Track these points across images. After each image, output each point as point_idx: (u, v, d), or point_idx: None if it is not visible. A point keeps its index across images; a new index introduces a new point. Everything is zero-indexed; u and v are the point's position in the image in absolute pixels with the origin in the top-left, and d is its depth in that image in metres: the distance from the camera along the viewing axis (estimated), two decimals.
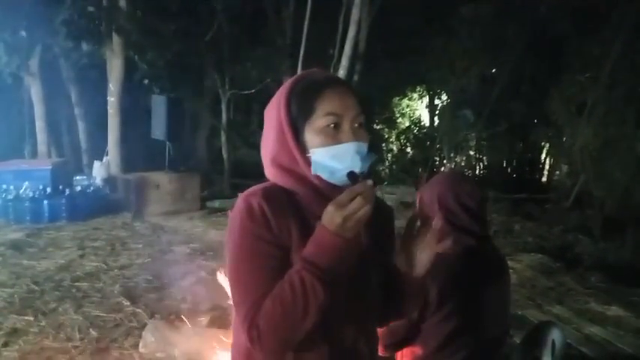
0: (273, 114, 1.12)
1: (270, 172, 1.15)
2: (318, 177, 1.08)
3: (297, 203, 1.11)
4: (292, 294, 0.99)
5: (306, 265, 0.99)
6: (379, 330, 1.60)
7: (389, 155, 15.51)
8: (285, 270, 1.03)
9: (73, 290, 4.44)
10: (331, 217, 0.96)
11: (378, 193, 1.22)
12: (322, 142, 1.06)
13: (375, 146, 14.47)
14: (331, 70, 8.38)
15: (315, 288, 0.98)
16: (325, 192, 1.07)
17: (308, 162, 1.08)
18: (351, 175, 1.02)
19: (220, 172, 11.16)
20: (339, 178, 1.05)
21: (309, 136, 1.08)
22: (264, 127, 1.16)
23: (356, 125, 1.08)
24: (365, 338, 1.17)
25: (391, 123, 15.95)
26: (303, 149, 1.08)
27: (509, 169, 13.37)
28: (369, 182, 0.97)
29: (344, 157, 1.04)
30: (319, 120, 1.07)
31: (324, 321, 1.04)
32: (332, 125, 1.06)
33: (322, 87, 1.09)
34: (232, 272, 1.08)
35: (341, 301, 1.07)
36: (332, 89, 1.09)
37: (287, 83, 1.13)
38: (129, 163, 9.22)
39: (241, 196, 1.10)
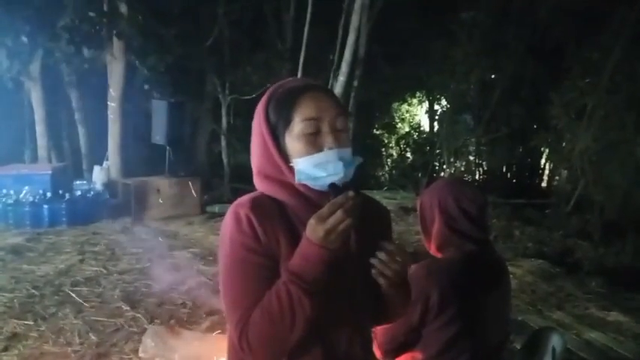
0: (256, 125, 1.14)
1: (257, 181, 1.16)
2: (304, 185, 1.09)
3: (286, 212, 1.12)
4: (279, 306, 1.00)
5: (293, 278, 1.00)
6: (378, 336, 1.62)
7: (389, 160, 15.52)
8: (275, 279, 1.04)
9: (73, 295, 4.44)
10: (314, 230, 0.98)
11: (377, 197, 1.22)
12: (303, 148, 1.07)
13: (373, 149, 14.50)
14: (331, 76, 8.43)
15: (301, 301, 0.99)
16: (313, 199, 1.08)
17: (292, 171, 1.08)
18: (333, 186, 1.03)
19: (220, 176, 11.16)
20: (324, 185, 1.06)
21: (290, 144, 1.09)
22: (252, 138, 1.17)
23: (337, 128, 1.09)
24: (359, 341, 1.18)
25: (391, 128, 15.97)
26: (286, 158, 1.09)
27: (508, 174, 13.36)
28: (350, 193, 0.98)
29: (327, 165, 1.05)
30: (297, 126, 1.07)
31: (318, 325, 1.06)
32: (311, 130, 1.07)
33: (298, 94, 1.10)
34: (223, 282, 1.09)
35: (334, 305, 1.08)
36: (308, 95, 1.09)
37: (266, 94, 1.15)
38: (129, 167, 9.21)
39: (230, 207, 1.12)
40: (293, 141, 1.08)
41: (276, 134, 1.10)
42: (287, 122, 1.08)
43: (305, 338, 1.05)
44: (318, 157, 1.06)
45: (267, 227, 1.07)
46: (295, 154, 1.08)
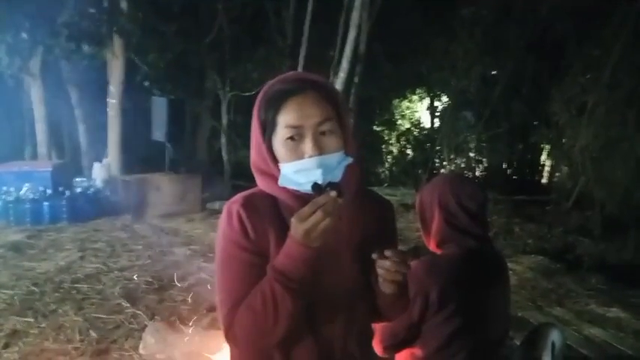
0: (252, 121, 1.14)
1: (255, 176, 1.17)
2: None
3: (278, 208, 1.13)
4: (263, 303, 1.02)
5: (276, 275, 1.02)
6: (378, 332, 1.61)
7: (389, 157, 15.52)
8: (264, 275, 1.05)
9: (73, 292, 4.45)
10: (295, 228, 0.98)
11: (380, 193, 1.22)
12: (285, 154, 1.07)
13: (373, 146, 14.48)
14: (331, 72, 8.40)
15: (285, 298, 1.01)
16: (304, 196, 1.08)
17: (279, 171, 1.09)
18: (316, 186, 1.03)
19: (221, 173, 11.16)
20: (306, 190, 1.05)
21: (276, 147, 1.09)
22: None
23: (322, 133, 1.06)
24: (355, 337, 1.18)
25: (391, 125, 15.95)
26: (275, 157, 1.10)
27: (509, 171, 13.36)
28: (332, 194, 0.98)
29: (307, 172, 1.04)
30: (280, 132, 1.07)
31: (313, 321, 1.08)
32: (292, 137, 1.06)
33: (284, 97, 1.07)
34: (216, 277, 1.12)
35: (330, 301, 1.10)
36: (293, 99, 1.06)
37: (261, 91, 1.13)
38: (129, 164, 9.22)
39: (226, 203, 1.14)
40: (278, 144, 1.08)
41: (265, 134, 1.10)
42: (272, 126, 1.08)
43: (299, 333, 1.07)
44: (298, 164, 1.05)
45: (257, 224, 1.09)
46: (279, 158, 1.08)
